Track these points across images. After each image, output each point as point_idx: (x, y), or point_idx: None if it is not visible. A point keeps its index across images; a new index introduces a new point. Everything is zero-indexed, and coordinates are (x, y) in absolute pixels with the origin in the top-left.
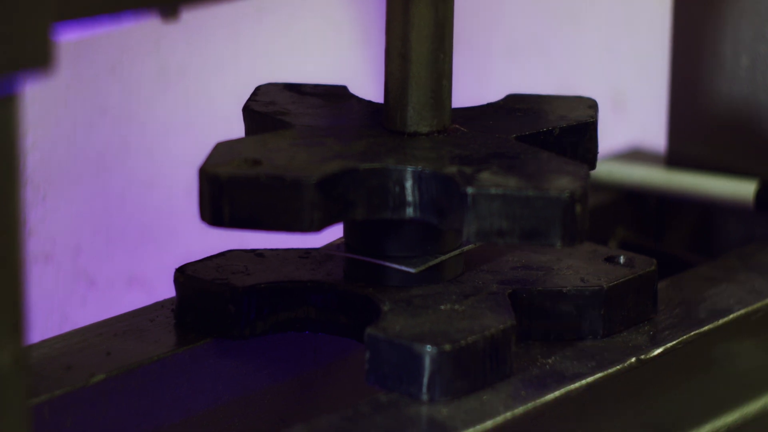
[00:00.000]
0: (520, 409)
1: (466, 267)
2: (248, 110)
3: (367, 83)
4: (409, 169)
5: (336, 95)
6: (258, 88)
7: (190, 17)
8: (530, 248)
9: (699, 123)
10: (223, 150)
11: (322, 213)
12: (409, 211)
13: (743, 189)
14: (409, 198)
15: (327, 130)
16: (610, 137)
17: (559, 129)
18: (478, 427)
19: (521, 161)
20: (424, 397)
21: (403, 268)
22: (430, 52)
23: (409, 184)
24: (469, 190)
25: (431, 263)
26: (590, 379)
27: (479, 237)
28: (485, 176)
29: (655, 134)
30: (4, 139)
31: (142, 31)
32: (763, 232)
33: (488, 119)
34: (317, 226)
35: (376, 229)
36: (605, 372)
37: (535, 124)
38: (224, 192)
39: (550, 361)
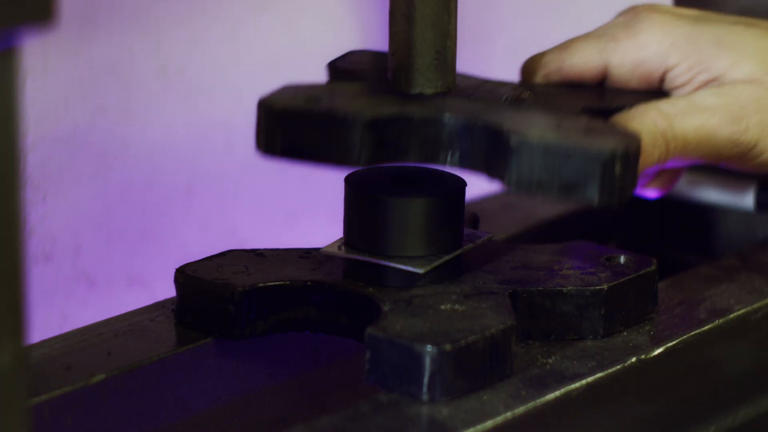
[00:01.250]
0: (520, 409)
1: (466, 267)
2: (331, 66)
3: None
4: (461, 119)
5: None
6: (350, 52)
7: (190, 17)
8: (530, 248)
9: None
10: (287, 89)
11: (371, 151)
12: (457, 160)
13: (743, 189)
14: (458, 147)
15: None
16: None
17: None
18: (479, 427)
19: (576, 121)
20: (425, 397)
21: (410, 268)
22: (435, 13)
23: (459, 133)
24: (513, 139)
25: (437, 263)
26: (590, 378)
27: (520, 187)
28: (533, 129)
29: None
30: (3, 93)
31: (142, 31)
32: (763, 232)
33: (562, 94)
34: (365, 162)
35: (378, 230)
36: (605, 372)
37: (605, 101)
38: (278, 123)
39: (550, 361)
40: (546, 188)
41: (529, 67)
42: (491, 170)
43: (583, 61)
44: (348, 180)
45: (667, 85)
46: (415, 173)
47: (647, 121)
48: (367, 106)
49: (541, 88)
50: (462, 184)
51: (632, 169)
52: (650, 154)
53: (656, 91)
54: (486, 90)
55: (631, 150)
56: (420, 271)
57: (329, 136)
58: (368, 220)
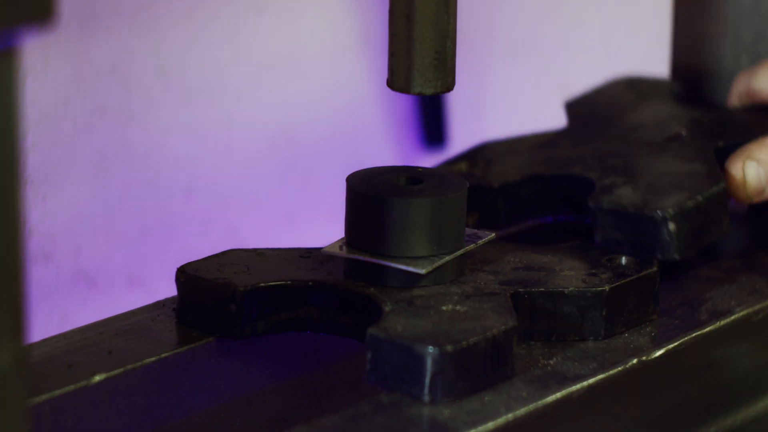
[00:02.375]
0: (521, 410)
1: (468, 268)
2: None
3: (366, 83)
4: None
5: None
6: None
7: (190, 17)
8: (532, 249)
9: None
10: None
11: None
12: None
13: None
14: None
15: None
16: None
17: None
18: (480, 428)
19: (667, 177)
20: (426, 397)
21: (411, 269)
22: (435, 13)
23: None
24: (591, 204)
25: (438, 264)
26: (592, 380)
27: (604, 244)
28: (615, 192)
29: None
30: (3, 93)
31: (142, 31)
32: (764, 233)
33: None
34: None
35: (379, 230)
36: (607, 373)
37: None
38: None
39: (551, 362)
40: (623, 246)
41: (732, 86)
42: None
43: (764, 86)
44: (350, 180)
45: None
46: (417, 173)
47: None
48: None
49: (730, 113)
50: (464, 184)
51: (699, 221)
52: None
53: None
54: (656, 123)
55: (690, 206)
56: (421, 271)
57: None
58: (370, 221)
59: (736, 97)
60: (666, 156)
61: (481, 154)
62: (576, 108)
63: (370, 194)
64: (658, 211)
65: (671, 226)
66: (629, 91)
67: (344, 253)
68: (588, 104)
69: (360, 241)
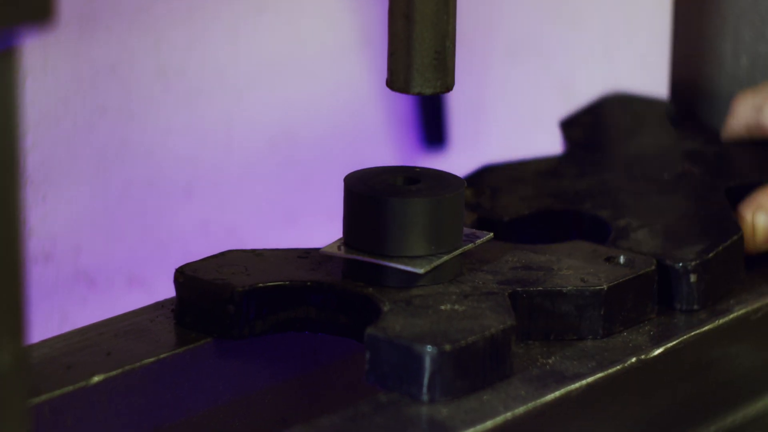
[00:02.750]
0: (520, 409)
1: (466, 267)
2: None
3: (366, 83)
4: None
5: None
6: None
7: (190, 17)
8: (530, 248)
9: None
10: None
11: None
12: None
13: None
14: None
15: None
16: None
17: None
18: (479, 427)
19: (683, 221)
20: (425, 397)
21: (409, 269)
22: (434, 13)
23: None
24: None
25: (436, 263)
26: (590, 379)
27: None
28: (632, 237)
29: None
30: (3, 93)
31: (142, 31)
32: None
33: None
34: None
35: (377, 230)
36: (605, 372)
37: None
38: None
39: (550, 361)
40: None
41: (734, 112)
42: None
43: None
44: (347, 181)
45: None
46: (415, 173)
47: None
48: None
49: (732, 146)
50: (461, 184)
51: (718, 271)
52: None
53: None
54: (660, 156)
55: (708, 258)
56: (420, 271)
57: None
58: (367, 221)
59: (744, 127)
60: (678, 195)
61: (485, 181)
62: (572, 130)
63: (368, 194)
64: (680, 263)
65: (692, 277)
66: (624, 112)
67: (342, 253)
68: (584, 126)
69: (358, 241)
